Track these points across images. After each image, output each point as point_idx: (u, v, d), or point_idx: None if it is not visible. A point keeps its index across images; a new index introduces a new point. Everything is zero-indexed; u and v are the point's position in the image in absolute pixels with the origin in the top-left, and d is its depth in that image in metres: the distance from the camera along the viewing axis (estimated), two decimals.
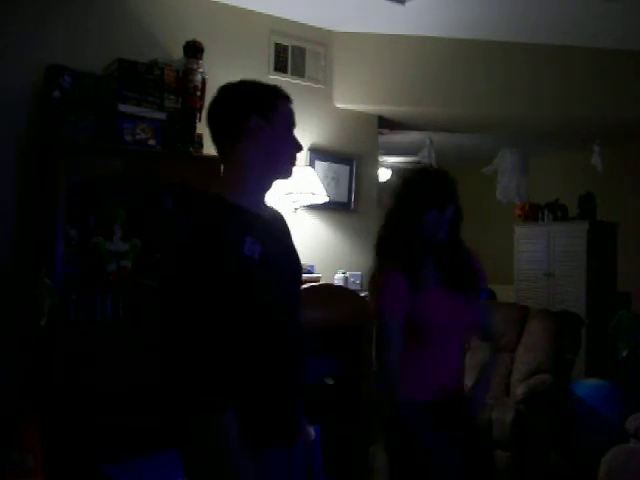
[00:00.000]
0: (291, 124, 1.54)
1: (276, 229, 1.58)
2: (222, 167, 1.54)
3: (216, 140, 1.52)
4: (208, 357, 1.32)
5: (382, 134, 4.72)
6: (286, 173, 1.55)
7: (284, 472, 1.49)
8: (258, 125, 1.46)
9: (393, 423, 2.00)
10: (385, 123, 4.46)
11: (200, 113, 3.07)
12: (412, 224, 1.95)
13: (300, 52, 3.91)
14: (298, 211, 3.79)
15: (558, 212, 6.27)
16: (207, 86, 3.08)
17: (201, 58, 3.09)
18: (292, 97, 1.59)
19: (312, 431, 1.72)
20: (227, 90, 1.52)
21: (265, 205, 1.57)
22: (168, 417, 1.49)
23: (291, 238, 1.65)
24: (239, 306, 1.36)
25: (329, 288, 3.64)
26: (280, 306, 1.48)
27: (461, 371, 2.09)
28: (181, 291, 1.36)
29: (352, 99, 4.13)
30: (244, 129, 1.46)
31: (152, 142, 2.88)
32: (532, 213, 6.43)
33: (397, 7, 3.60)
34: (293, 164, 1.56)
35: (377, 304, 1.98)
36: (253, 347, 1.40)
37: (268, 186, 1.54)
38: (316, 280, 3.63)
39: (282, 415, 1.48)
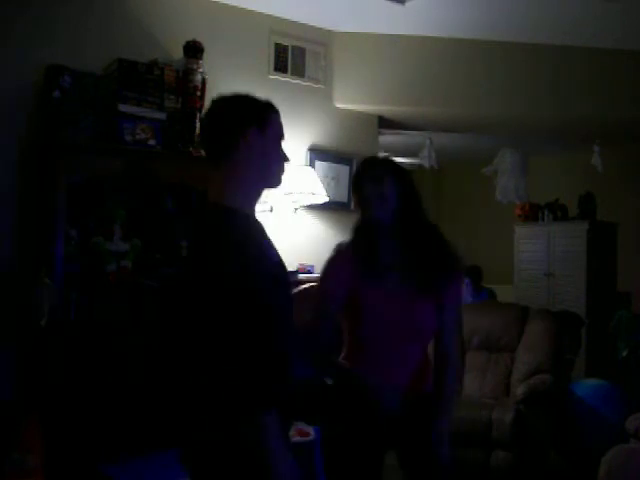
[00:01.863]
0: (280, 137, 1.62)
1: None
2: (216, 177, 1.57)
3: (211, 151, 1.58)
4: (253, 358, 1.37)
5: (382, 134, 4.72)
6: (277, 182, 1.63)
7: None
8: (254, 137, 1.53)
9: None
10: (385, 123, 4.46)
11: (200, 113, 3.07)
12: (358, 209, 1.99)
13: (300, 52, 3.91)
14: (298, 211, 3.79)
15: (558, 212, 6.27)
16: (207, 86, 3.08)
17: (201, 58, 3.09)
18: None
19: (311, 431, 1.75)
20: (224, 102, 1.58)
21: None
22: (175, 419, 1.54)
23: None
24: (272, 305, 1.43)
25: None
26: (289, 306, 1.56)
27: (408, 374, 1.97)
28: (223, 297, 1.39)
29: (352, 99, 4.13)
30: (241, 140, 1.52)
31: (152, 142, 2.88)
32: (532, 213, 6.43)
33: (397, 7, 3.60)
34: (282, 174, 1.63)
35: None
36: (277, 350, 1.46)
37: (261, 193, 1.62)
38: (316, 280, 3.63)
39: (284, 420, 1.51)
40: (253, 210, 1.59)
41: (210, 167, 1.58)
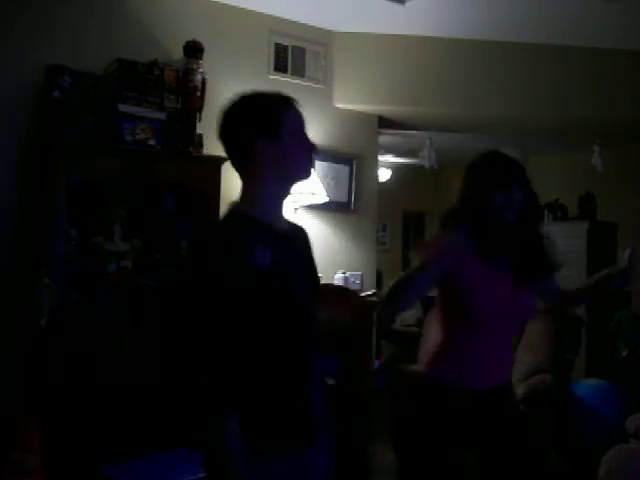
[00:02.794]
0: (300, 129, 1.56)
1: (292, 240, 1.61)
2: (242, 181, 1.58)
3: (230, 159, 1.57)
4: (219, 360, 1.37)
5: (382, 134, 4.72)
6: (304, 176, 1.59)
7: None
8: (264, 147, 1.49)
9: (427, 406, 1.99)
10: (385, 123, 4.46)
11: (200, 113, 3.07)
12: (479, 206, 1.96)
13: (300, 52, 3.91)
14: (298, 211, 3.79)
15: (558, 212, 6.27)
16: (207, 86, 3.08)
17: (201, 58, 3.09)
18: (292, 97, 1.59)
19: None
20: (231, 113, 1.55)
21: (282, 217, 1.61)
22: (182, 415, 1.57)
23: (311, 251, 1.71)
24: (250, 312, 1.40)
25: (329, 288, 3.64)
26: (291, 314, 1.50)
27: (508, 362, 2.12)
28: (197, 295, 1.41)
29: (352, 99, 4.13)
30: (252, 152, 1.50)
31: (152, 142, 2.88)
32: None
33: (397, 7, 3.60)
34: (310, 165, 1.59)
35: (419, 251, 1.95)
36: (263, 352, 1.44)
37: (285, 194, 1.59)
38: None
39: (288, 421, 1.50)
40: (273, 214, 1.56)
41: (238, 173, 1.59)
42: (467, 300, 1.94)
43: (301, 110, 1.57)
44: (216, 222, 1.57)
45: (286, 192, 1.59)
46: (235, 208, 1.54)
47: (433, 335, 2.08)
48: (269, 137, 1.49)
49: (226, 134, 1.55)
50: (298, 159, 1.55)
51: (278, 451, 1.48)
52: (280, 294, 1.46)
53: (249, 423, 1.40)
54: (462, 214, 1.98)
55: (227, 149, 1.56)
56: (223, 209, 1.60)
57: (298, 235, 1.69)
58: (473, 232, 1.93)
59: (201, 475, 2.49)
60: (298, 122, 1.56)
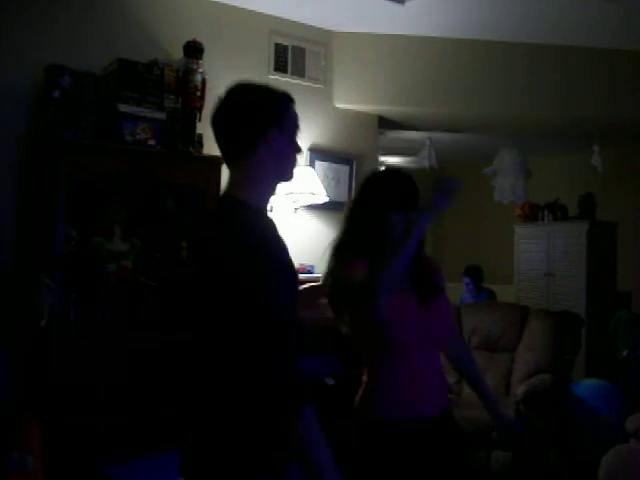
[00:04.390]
0: (297, 129, 1.58)
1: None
2: (232, 173, 1.55)
3: (226, 148, 1.53)
4: (292, 352, 1.38)
5: (382, 134, 4.71)
6: (290, 177, 1.60)
7: None
8: (274, 137, 1.49)
9: (362, 440, 1.89)
10: (385, 123, 4.46)
11: (200, 113, 3.07)
12: (378, 226, 1.90)
13: (300, 52, 3.91)
14: (298, 211, 3.79)
15: (558, 212, 6.27)
16: (207, 86, 3.08)
17: (201, 58, 3.09)
18: (292, 97, 1.62)
19: None
20: (244, 96, 1.52)
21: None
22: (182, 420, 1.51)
23: None
24: (285, 305, 1.41)
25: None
26: (296, 305, 1.53)
27: (443, 386, 1.98)
28: (253, 297, 1.36)
29: (352, 99, 4.13)
30: (260, 141, 1.48)
31: (152, 142, 2.88)
32: (532, 213, 6.43)
33: (397, 7, 3.60)
34: (295, 167, 1.61)
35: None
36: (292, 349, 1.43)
37: (274, 190, 1.60)
38: (316, 280, 3.62)
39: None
40: (265, 207, 1.58)
41: (227, 164, 1.55)
42: (391, 321, 1.82)
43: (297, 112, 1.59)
44: (244, 219, 1.45)
45: (275, 189, 1.59)
46: (246, 203, 1.48)
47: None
48: (280, 127, 1.50)
49: (234, 119, 1.50)
50: (291, 157, 1.57)
51: (286, 460, 1.45)
52: (295, 280, 1.53)
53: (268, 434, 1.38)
54: (361, 239, 1.93)
55: (230, 138, 1.51)
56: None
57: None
58: (372, 259, 1.84)
59: None
60: (297, 121, 1.59)
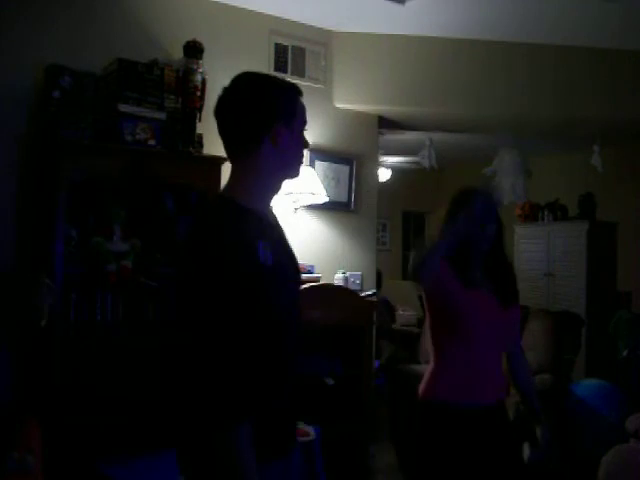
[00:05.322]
0: (304, 123, 1.51)
1: (278, 231, 1.54)
2: (233, 168, 1.48)
3: (229, 143, 1.45)
4: (234, 363, 1.27)
5: (382, 134, 4.71)
6: (296, 174, 1.53)
7: None
8: (279, 132, 1.42)
9: (425, 425, 2.09)
10: (385, 123, 4.46)
11: (200, 113, 3.07)
12: (462, 237, 2.07)
13: (300, 52, 3.91)
14: (298, 211, 3.79)
15: (558, 212, 6.28)
16: (207, 86, 3.08)
17: (201, 58, 3.09)
18: None
19: (311, 431, 1.73)
20: (249, 87, 1.44)
21: (270, 207, 1.54)
22: (170, 419, 1.45)
23: (287, 239, 1.60)
24: (255, 313, 1.31)
25: (329, 288, 3.64)
26: (288, 310, 1.44)
27: (501, 378, 2.18)
28: (202, 299, 1.29)
29: (352, 99, 4.13)
30: (266, 135, 1.41)
31: (152, 142, 2.88)
32: (532, 213, 6.43)
33: (397, 7, 3.60)
34: (301, 163, 1.54)
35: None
36: (266, 356, 1.36)
37: (279, 188, 1.52)
38: (316, 280, 3.63)
39: (282, 425, 1.44)
40: (268, 204, 1.50)
41: (229, 159, 1.48)
42: (462, 311, 2.06)
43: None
44: (218, 215, 1.39)
45: (280, 186, 1.51)
46: (235, 200, 1.42)
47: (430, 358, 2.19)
48: (287, 122, 1.43)
49: (237, 112, 1.42)
50: (297, 153, 1.49)
51: (276, 456, 1.40)
52: (280, 290, 1.40)
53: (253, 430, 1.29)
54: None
55: (235, 131, 1.43)
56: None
57: (280, 225, 1.58)
58: (455, 258, 2.08)
59: None
60: (304, 115, 1.51)
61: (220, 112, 1.45)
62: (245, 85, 1.45)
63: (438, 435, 2.04)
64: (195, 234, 1.39)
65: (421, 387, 2.14)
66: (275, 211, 1.59)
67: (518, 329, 2.30)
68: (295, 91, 1.50)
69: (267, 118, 1.41)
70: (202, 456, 1.29)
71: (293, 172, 1.51)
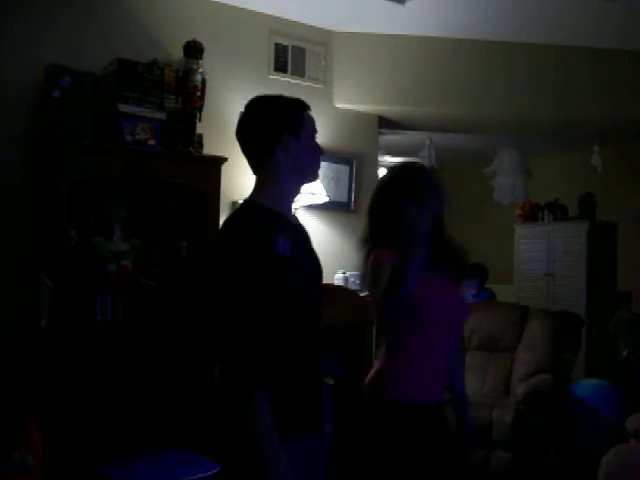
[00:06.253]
0: (314, 133, 1.71)
1: (303, 232, 1.78)
2: (256, 179, 1.69)
3: (249, 154, 1.68)
4: (255, 337, 1.45)
5: (382, 134, 4.71)
6: (313, 177, 1.75)
7: (313, 458, 1.62)
8: (289, 142, 1.62)
9: (378, 425, 1.98)
10: (385, 123, 4.46)
11: (200, 113, 3.07)
12: (396, 218, 1.98)
13: (300, 52, 3.91)
14: (298, 211, 3.79)
15: (558, 212, 6.27)
16: (207, 86, 3.08)
17: (201, 58, 3.09)
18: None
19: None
20: (259, 107, 1.67)
21: (292, 212, 1.78)
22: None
23: (312, 244, 1.82)
24: (276, 295, 1.49)
25: (329, 288, 3.64)
26: (308, 298, 1.62)
27: (445, 373, 2.04)
28: (229, 285, 1.49)
29: (352, 99, 4.13)
30: (276, 146, 1.61)
31: (152, 142, 2.88)
32: (532, 213, 6.43)
33: (397, 7, 3.60)
34: (318, 167, 1.74)
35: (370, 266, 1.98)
36: (287, 335, 1.53)
37: (297, 191, 1.74)
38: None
39: (309, 401, 1.61)
40: (288, 206, 1.73)
41: (253, 171, 1.69)
42: (414, 301, 1.91)
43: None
44: (243, 214, 1.65)
45: (298, 189, 1.74)
46: (256, 202, 1.64)
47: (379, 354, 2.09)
48: (294, 133, 1.63)
49: (252, 125, 1.65)
50: (310, 160, 1.70)
51: (304, 431, 1.57)
52: (299, 279, 1.59)
53: (276, 406, 1.44)
54: (385, 231, 2.02)
55: (250, 141, 1.66)
56: (223, 209, 1.69)
57: (304, 229, 1.82)
58: (399, 247, 1.93)
59: (201, 475, 2.50)
60: (313, 126, 1.71)
61: (238, 133, 1.69)
62: (254, 106, 1.68)
63: (391, 436, 1.94)
64: (224, 231, 1.62)
65: (367, 386, 2.04)
66: (298, 219, 1.83)
67: (462, 326, 2.27)
68: (300, 105, 1.69)
69: (275, 131, 1.62)
70: (229, 424, 1.50)
71: (309, 176, 1.73)
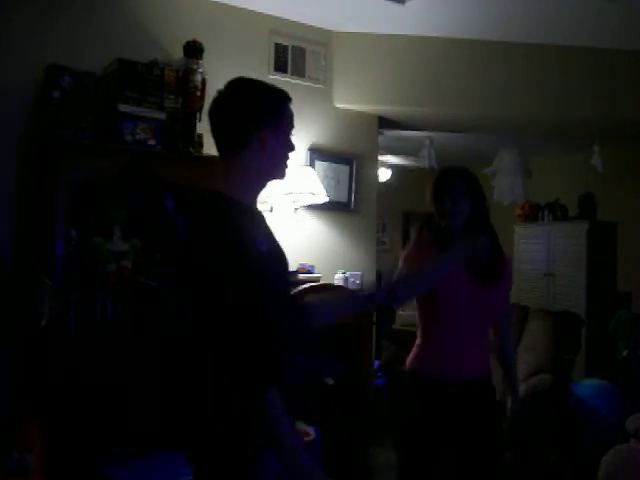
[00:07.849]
0: (292, 128, 1.62)
1: (266, 223, 1.66)
2: (224, 166, 1.58)
3: (220, 142, 1.57)
4: (266, 335, 1.42)
5: (382, 134, 4.71)
6: (282, 175, 1.64)
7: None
8: (269, 135, 1.53)
9: (411, 402, 2.26)
10: (385, 123, 4.46)
11: (200, 113, 3.07)
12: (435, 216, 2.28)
13: (300, 52, 3.91)
14: (298, 211, 3.79)
15: (558, 212, 6.27)
16: (207, 86, 3.08)
17: (201, 58, 3.09)
18: (292, 97, 1.65)
19: (311, 431, 1.78)
20: (242, 90, 1.56)
21: (256, 202, 1.65)
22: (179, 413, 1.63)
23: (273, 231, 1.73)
24: (271, 294, 1.47)
25: (329, 288, 3.64)
26: (287, 292, 1.64)
27: (483, 358, 2.27)
28: (229, 289, 1.42)
29: (352, 99, 4.13)
30: (253, 138, 1.53)
31: (152, 142, 2.88)
32: (532, 213, 6.43)
33: (397, 7, 3.60)
34: (287, 166, 1.64)
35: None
36: (283, 332, 1.52)
37: (265, 186, 1.63)
38: (316, 280, 3.63)
39: (299, 400, 1.61)
40: (255, 201, 1.62)
41: (220, 157, 1.59)
42: (436, 299, 2.18)
43: (295, 111, 1.63)
44: (218, 209, 1.52)
45: (266, 184, 1.63)
46: (229, 196, 1.54)
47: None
48: (275, 125, 1.54)
49: (229, 113, 1.55)
50: (284, 155, 1.62)
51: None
52: (280, 275, 1.58)
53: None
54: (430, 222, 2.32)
55: (225, 129, 1.55)
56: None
57: (264, 217, 1.71)
58: (438, 244, 2.23)
59: None
60: (292, 121, 1.62)
61: (213, 113, 1.57)
62: (237, 89, 1.57)
63: (411, 399, 2.25)
64: (199, 229, 1.51)
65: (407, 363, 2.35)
66: (260, 207, 1.70)
67: (506, 305, 2.40)
68: (284, 97, 1.60)
69: (255, 121, 1.53)
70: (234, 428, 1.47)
71: (279, 173, 1.63)
